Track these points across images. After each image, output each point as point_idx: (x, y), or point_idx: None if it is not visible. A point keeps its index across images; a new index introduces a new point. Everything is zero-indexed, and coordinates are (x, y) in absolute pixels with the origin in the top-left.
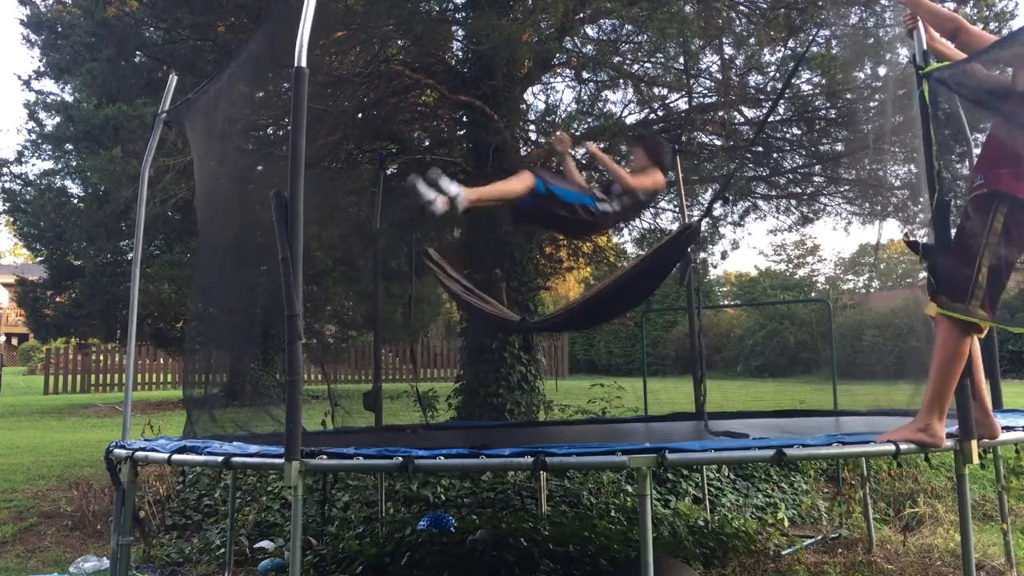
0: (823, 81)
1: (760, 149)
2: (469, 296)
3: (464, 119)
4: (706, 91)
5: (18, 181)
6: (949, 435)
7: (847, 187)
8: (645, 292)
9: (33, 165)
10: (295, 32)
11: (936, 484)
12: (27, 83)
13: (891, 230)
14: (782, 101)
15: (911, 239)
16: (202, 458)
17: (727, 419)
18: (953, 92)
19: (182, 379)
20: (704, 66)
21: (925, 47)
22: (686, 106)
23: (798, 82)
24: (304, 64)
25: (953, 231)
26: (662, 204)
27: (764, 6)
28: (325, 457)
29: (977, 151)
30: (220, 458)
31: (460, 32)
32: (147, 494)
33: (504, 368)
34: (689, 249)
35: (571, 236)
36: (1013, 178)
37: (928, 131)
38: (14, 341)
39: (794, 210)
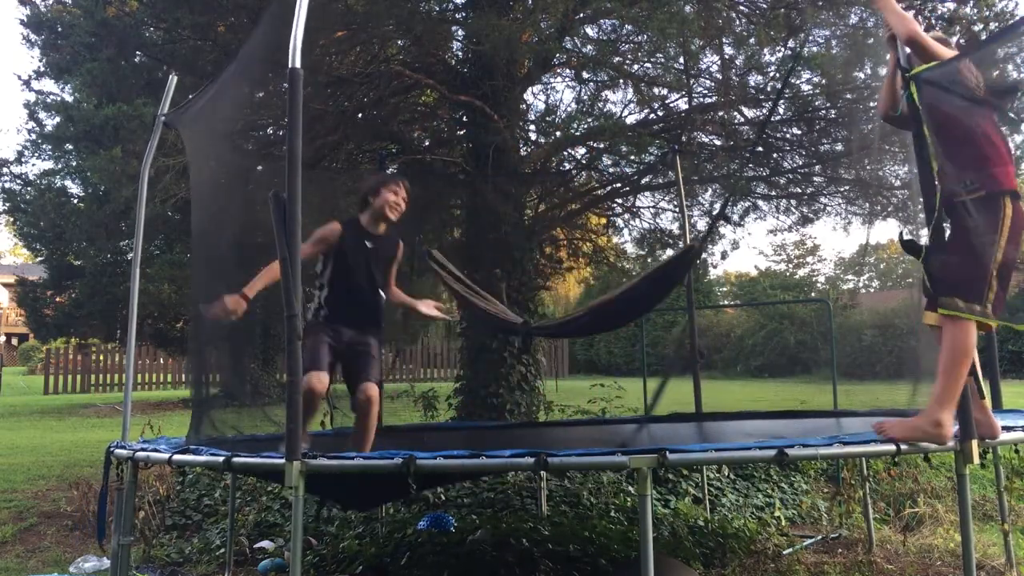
0: (823, 81)
1: (760, 149)
2: (473, 297)
3: (464, 119)
4: (706, 91)
5: (18, 181)
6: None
7: (847, 187)
8: (646, 307)
9: (33, 165)
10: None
11: (936, 484)
12: (27, 83)
13: (890, 230)
14: (782, 101)
15: (906, 239)
16: (203, 459)
17: (727, 420)
18: (945, 91)
19: (187, 382)
20: (704, 66)
21: (909, 50)
22: (686, 106)
23: (798, 82)
24: (298, 65)
25: (947, 232)
26: (662, 204)
27: (764, 6)
28: (325, 459)
29: None
30: (221, 459)
31: (460, 32)
32: (147, 494)
33: (504, 368)
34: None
35: None
36: (1004, 174)
37: (920, 132)
38: (14, 341)
39: (794, 210)
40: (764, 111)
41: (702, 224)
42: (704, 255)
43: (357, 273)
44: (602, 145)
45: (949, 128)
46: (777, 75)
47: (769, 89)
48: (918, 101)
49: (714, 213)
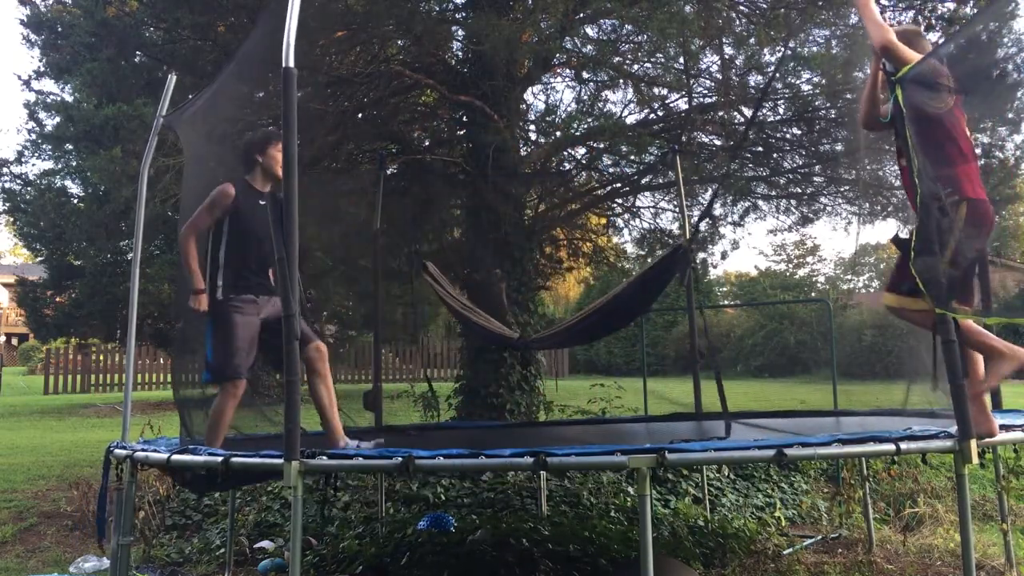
0: (823, 81)
1: (760, 149)
2: (469, 313)
3: (464, 119)
4: (706, 91)
5: (18, 181)
6: (949, 435)
7: (847, 187)
8: (640, 310)
9: (33, 165)
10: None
11: (936, 484)
12: (27, 83)
13: (891, 230)
14: (782, 101)
15: (902, 237)
16: (202, 459)
17: (727, 419)
18: (927, 90)
19: (177, 382)
20: (704, 66)
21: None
22: (686, 106)
23: (798, 82)
24: (292, 64)
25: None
26: (662, 204)
27: (764, 6)
28: (325, 458)
29: None
30: (220, 459)
31: (460, 32)
32: (147, 494)
33: (504, 368)
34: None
35: None
36: (968, 182)
37: (904, 135)
38: (14, 341)
39: (794, 210)
40: (763, 111)
41: (703, 224)
42: (704, 255)
43: (258, 233)
44: (602, 145)
45: (931, 129)
46: (778, 75)
47: (769, 90)
48: (903, 103)
49: (713, 212)
